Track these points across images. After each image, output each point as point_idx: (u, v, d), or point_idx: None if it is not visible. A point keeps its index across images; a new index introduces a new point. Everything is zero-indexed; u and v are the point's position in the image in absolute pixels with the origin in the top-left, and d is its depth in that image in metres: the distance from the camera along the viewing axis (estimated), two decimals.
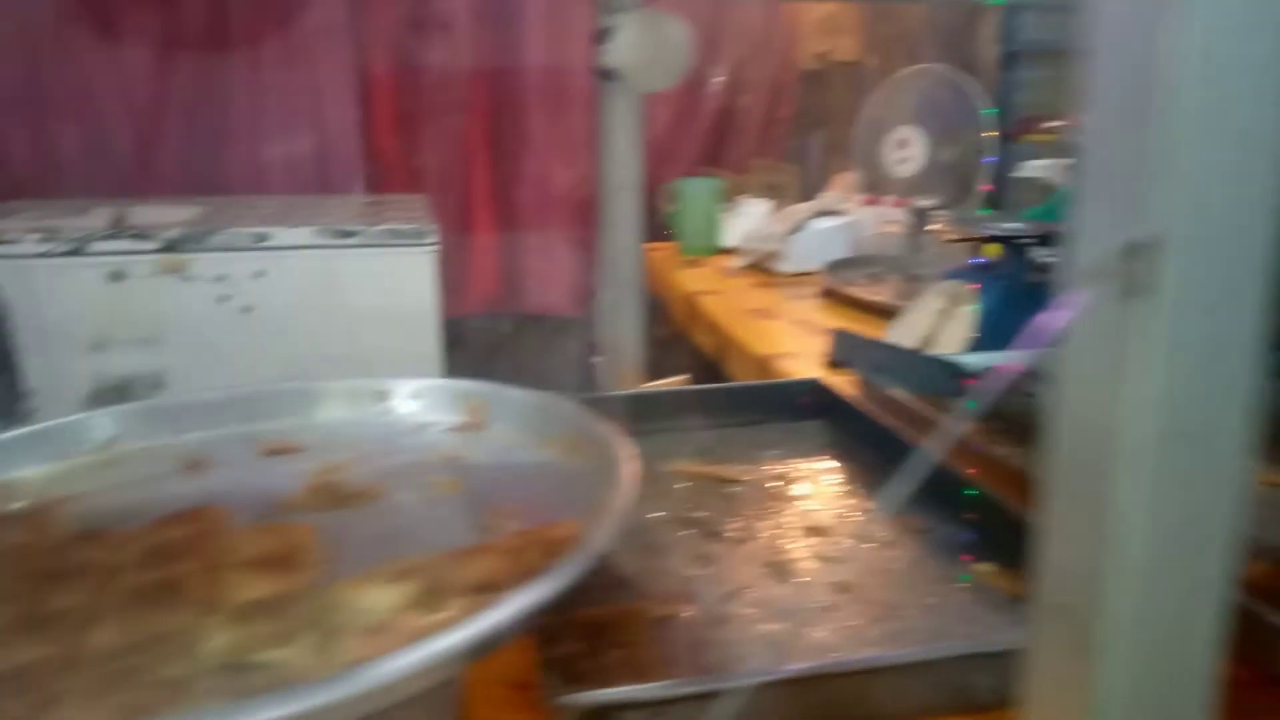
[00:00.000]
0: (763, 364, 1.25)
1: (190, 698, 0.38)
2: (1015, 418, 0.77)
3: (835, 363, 1.10)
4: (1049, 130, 1.39)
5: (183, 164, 1.91)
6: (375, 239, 1.66)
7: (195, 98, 1.92)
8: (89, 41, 1.85)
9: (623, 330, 0.82)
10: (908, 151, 1.74)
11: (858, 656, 0.47)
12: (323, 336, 1.65)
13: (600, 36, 0.71)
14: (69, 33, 1.84)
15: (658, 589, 0.56)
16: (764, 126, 2.24)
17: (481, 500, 0.60)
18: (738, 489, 0.69)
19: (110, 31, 1.86)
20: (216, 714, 0.34)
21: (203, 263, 1.59)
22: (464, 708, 0.46)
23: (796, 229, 1.65)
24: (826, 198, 1.78)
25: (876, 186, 1.79)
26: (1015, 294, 1.03)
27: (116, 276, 1.56)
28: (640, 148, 0.79)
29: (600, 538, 0.47)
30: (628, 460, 0.56)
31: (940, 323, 1.06)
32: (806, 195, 2.01)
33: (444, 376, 0.76)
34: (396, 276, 1.68)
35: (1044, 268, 1.13)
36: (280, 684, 0.39)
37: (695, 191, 1.82)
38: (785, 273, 1.65)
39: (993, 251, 1.12)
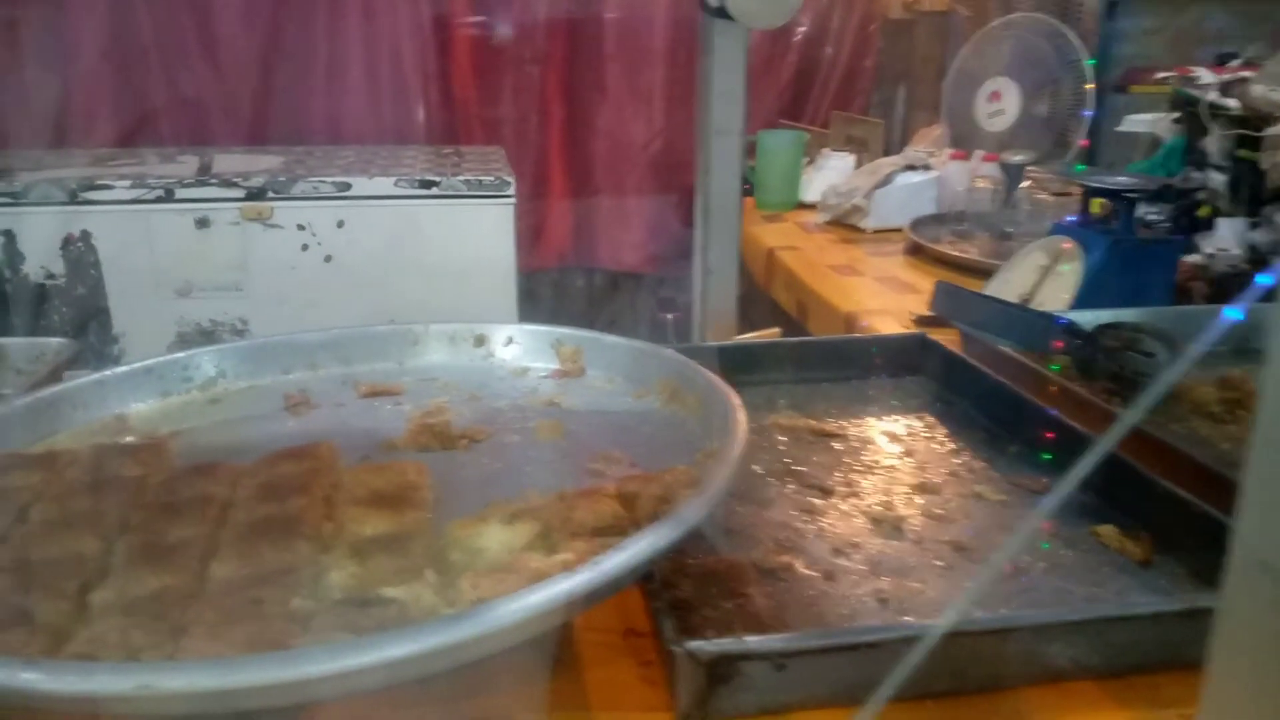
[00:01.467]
0: (848, 321, 1.22)
1: (315, 631, 0.38)
2: (1133, 376, 0.74)
3: (932, 318, 1.07)
4: (1160, 81, 1.32)
5: (265, 114, 1.93)
6: (454, 190, 1.66)
7: (277, 48, 1.92)
8: None
9: (717, 280, 0.80)
10: (1000, 105, 1.68)
11: (993, 615, 0.45)
12: (401, 286, 1.67)
13: None
14: None
15: (765, 540, 0.54)
16: (846, 78, 2.18)
17: (584, 445, 0.59)
18: (838, 444, 0.68)
19: None
20: (348, 648, 0.34)
21: (285, 211, 1.61)
22: (573, 652, 0.46)
23: (881, 184, 1.60)
24: (912, 152, 1.73)
25: (965, 140, 1.73)
26: (1124, 251, 0.98)
27: (202, 223, 1.59)
28: (744, 90, 0.76)
29: (718, 485, 0.45)
30: (736, 409, 0.55)
31: (1042, 280, 1.02)
32: (889, 149, 1.96)
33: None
34: (475, 228, 1.68)
35: (1152, 224, 1.08)
36: (403, 620, 0.38)
37: (775, 145, 1.78)
38: (868, 229, 1.60)
39: (1097, 207, 1.07)
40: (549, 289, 2.18)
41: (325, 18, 1.93)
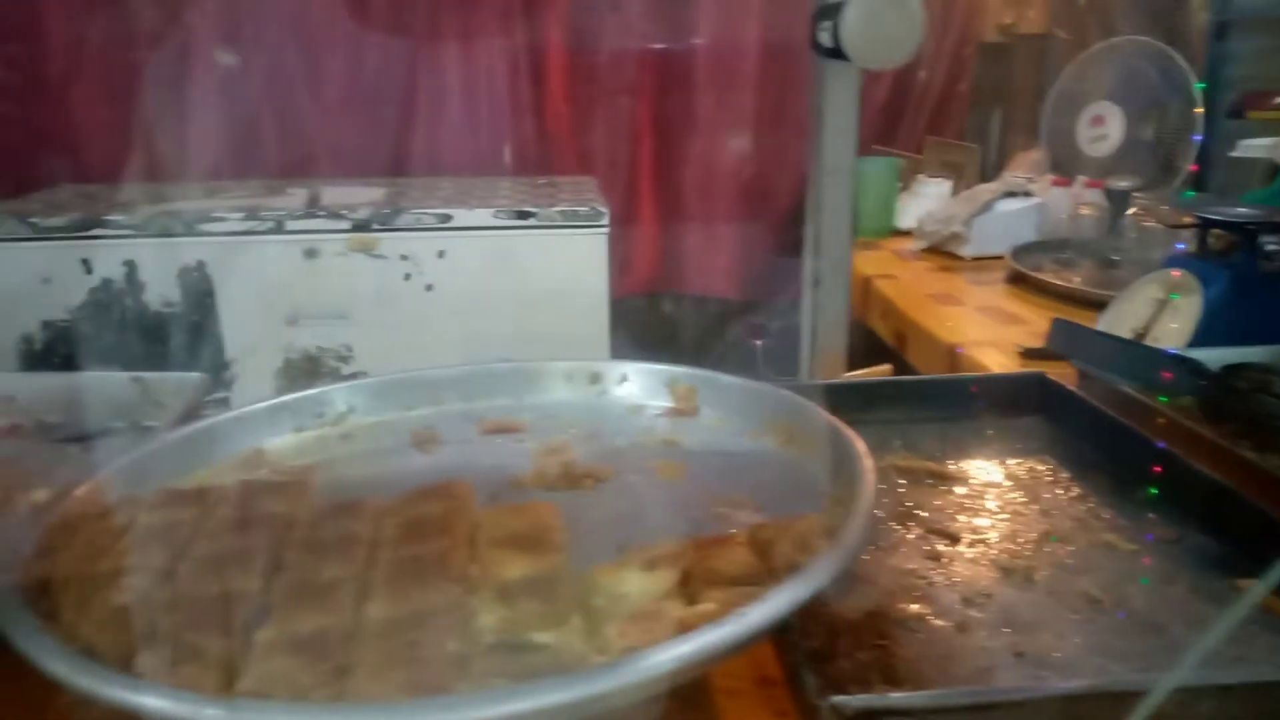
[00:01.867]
0: (951, 353, 1.20)
1: (473, 676, 0.39)
2: (1261, 419, 0.72)
3: (1039, 351, 1.05)
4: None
5: (367, 146, 2.00)
6: (550, 220, 1.69)
7: (379, 82, 1.99)
8: (281, 31, 1.95)
9: (827, 317, 0.80)
10: (1103, 129, 1.64)
11: (1143, 675, 0.44)
12: (497, 315, 1.70)
13: (823, 11, 0.69)
14: (263, 23, 1.94)
15: (893, 588, 0.54)
16: (940, 103, 2.15)
17: (706, 487, 0.60)
18: (959, 487, 0.67)
19: (300, 20, 1.95)
20: (512, 695, 0.35)
21: (390, 242, 1.66)
22: (709, 699, 0.46)
23: (981, 210, 1.58)
24: (1011, 178, 1.70)
25: (1065, 166, 1.69)
26: (1245, 285, 0.95)
27: (311, 254, 1.65)
28: (857, 129, 0.77)
29: (856, 536, 0.46)
30: (862, 456, 0.55)
31: (1157, 314, 0.99)
32: (985, 175, 1.93)
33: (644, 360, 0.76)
34: (570, 257, 1.71)
35: (1273, 256, 1.04)
36: (555, 666, 0.39)
37: (870, 171, 1.77)
38: (967, 256, 1.58)
39: (1215, 239, 1.04)
40: (638, 315, 2.20)
41: (425, 53, 1.99)
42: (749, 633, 0.39)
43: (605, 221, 1.70)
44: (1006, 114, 2.14)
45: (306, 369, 1.69)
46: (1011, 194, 1.61)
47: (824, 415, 0.61)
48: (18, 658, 0.48)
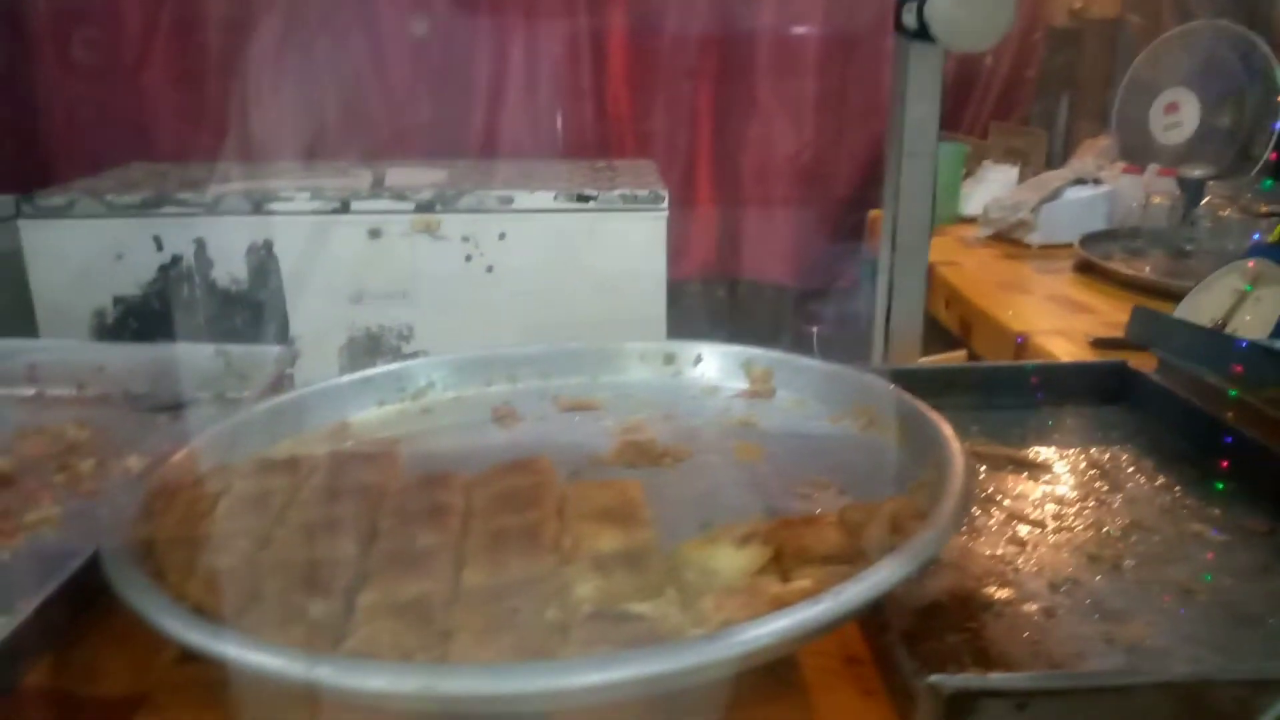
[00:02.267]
0: (1020, 344, 1.18)
1: (572, 644, 0.40)
2: None
3: (1111, 340, 1.03)
4: None
5: (429, 128, 2.01)
6: (610, 203, 1.69)
7: (442, 65, 2.01)
8: (348, 15, 1.97)
9: (903, 302, 0.80)
10: (1177, 116, 1.60)
11: (1248, 665, 0.43)
12: (556, 297, 1.71)
13: None
14: (330, 7, 1.96)
15: (979, 573, 0.54)
16: (1006, 88, 2.12)
17: (786, 469, 0.60)
18: (1041, 474, 0.66)
19: (366, 3, 1.97)
20: (620, 661, 0.36)
21: (452, 223, 1.68)
22: (799, 676, 0.46)
23: (1049, 198, 1.55)
24: (1080, 165, 1.67)
25: (1136, 154, 1.65)
26: None
27: (375, 234, 1.67)
28: (939, 112, 0.76)
29: (950, 517, 0.45)
30: (950, 439, 0.54)
31: (1238, 305, 0.97)
32: (1051, 162, 1.89)
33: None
34: (629, 240, 1.71)
35: None
36: (653, 636, 0.40)
37: None
38: (1034, 244, 1.55)
39: None
40: (692, 300, 2.20)
41: (487, 36, 2.00)
42: (848, 609, 0.39)
43: (665, 205, 1.70)
44: (1074, 100, 2.09)
45: (368, 347, 1.71)
46: (1081, 181, 1.58)
47: (909, 399, 0.60)
48: (124, 615, 0.49)
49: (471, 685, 0.36)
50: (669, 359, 0.75)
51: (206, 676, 0.45)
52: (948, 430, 0.55)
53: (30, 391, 0.78)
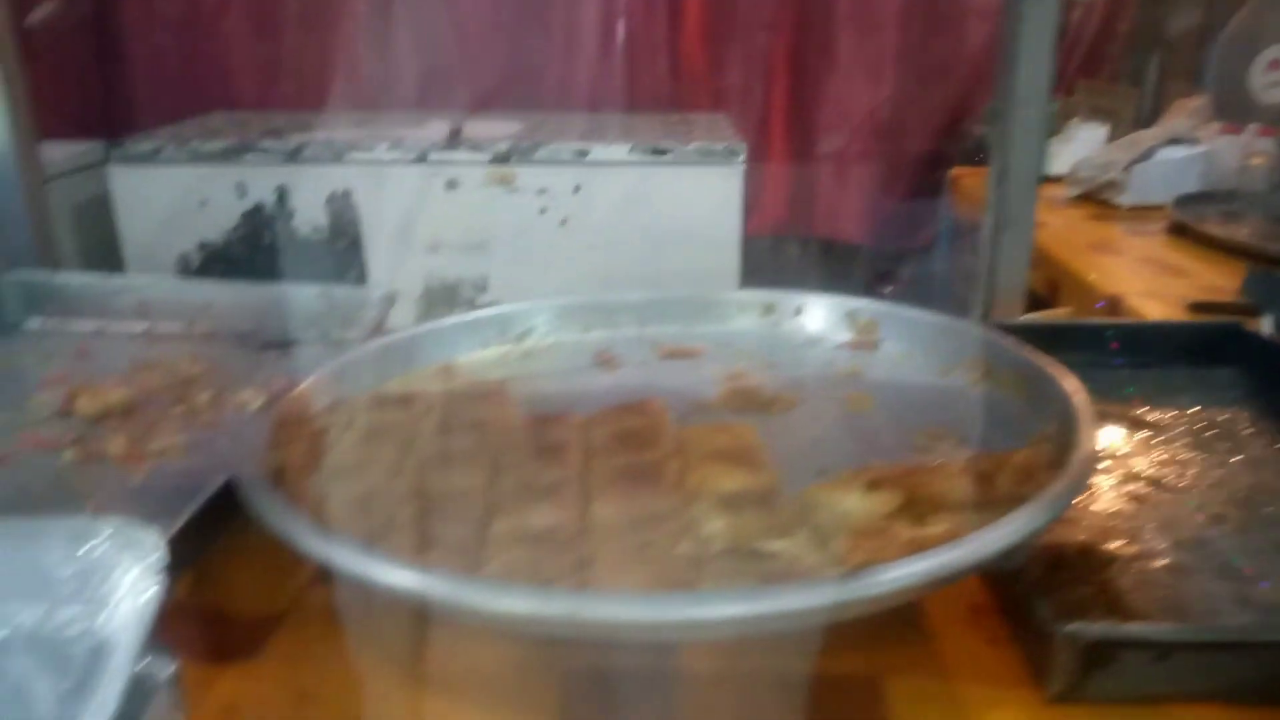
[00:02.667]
0: (1112, 304, 1.16)
1: (709, 578, 0.40)
2: None
3: (1209, 304, 1.00)
4: None
5: (504, 80, 2.01)
6: (686, 157, 1.67)
7: (517, 16, 2.00)
8: None
9: (1009, 257, 0.78)
10: None
11: None
12: (629, 251, 1.70)
13: None
14: None
15: (1101, 528, 0.53)
16: (1094, 44, 2.05)
17: (901, 419, 0.60)
18: (1156, 434, 0.65)
19: None
20: (771, 595, 0.36)
21: (528, 175, 1.67)
22: (924, 623, 0.46)
23: (1141, 158, 1.50)
24: (1174, 124, 1.61)
25: (1234, 113, 1.59)
26: None
27: (452, 185, 1.67)
28: (1053, 60, 0.73)
29: (1083, 467, 0.45)
30: (1076, 392, 0.53)
31: None
32: (1140, 121, 1.83)
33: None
34: (704, 195, 1.70)
35: None
36: (790, 573, 0.40)
37: None
38: (1124, 205, 1.51)
39: None
40: (762, 257, 2.18)
41: None
42: (989, 554, 0.39)
43: (741, 160, 1.68)
44: (1166, 58, 2.02)
45: (444, 297, 1.73)
46: (1175, 141, 1.53)
47: (1027, 352, 0.59)
48: (255, 539, 0.51)
49: (618, 612, 0.36)
50: (768, 309, 0.75)
51: (339, 599, 0.47)
52: (1071, 383, 0.54)
53: (141, 327, 0.80)
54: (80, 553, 0.36)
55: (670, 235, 1.70)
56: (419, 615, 0.43)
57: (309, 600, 0.47)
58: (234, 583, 0.50)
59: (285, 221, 1.70)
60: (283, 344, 0.78)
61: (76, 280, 0.82)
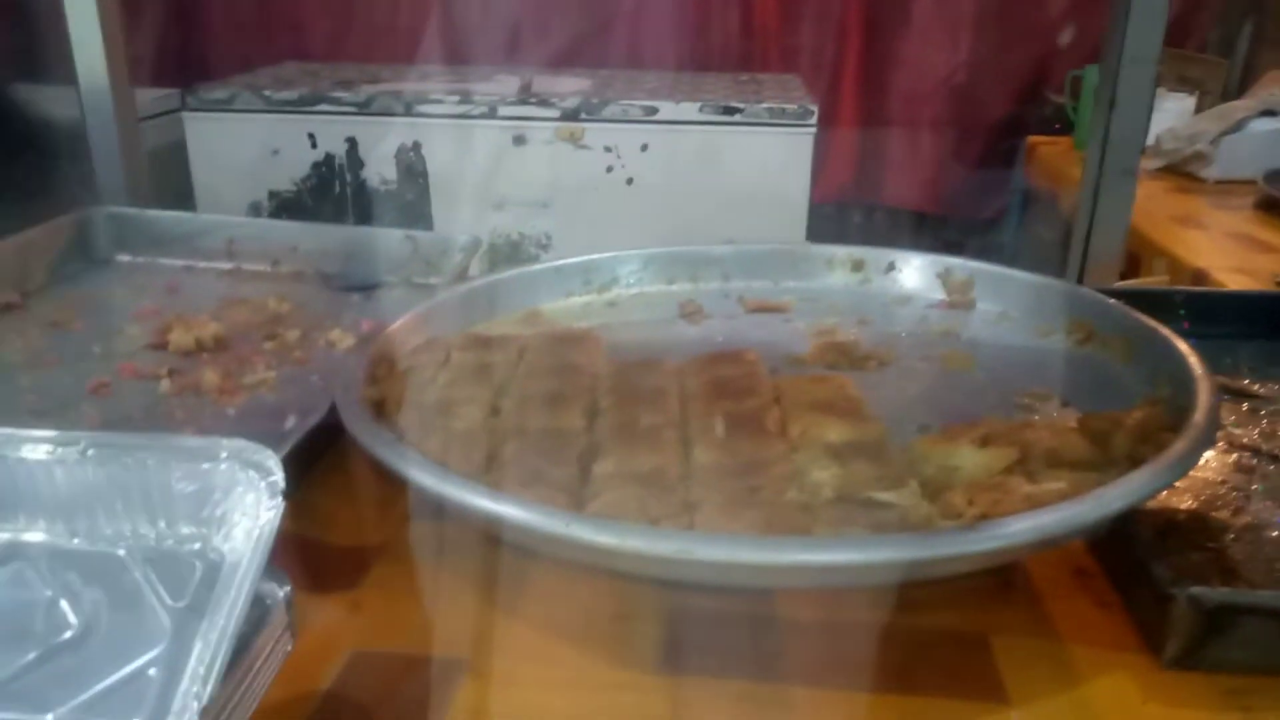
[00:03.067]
0: (1198, 278, 1.12)
1: (821, 525, 0.39)
2: None
3: None
4: None
5: (573, 36, 1.99)
6: (757, 117, 1.65)
7: None
8: None
9: (1108, 219, 0.76)
10: None
11: None
12: (695, 212, 1.69)
13: None
14: None
15: (1208, 496, 0.51)
16: (1182, 11, 1.97)
17: (999, 377, 0.58)
18: (1259, 404, 0.62)
19: None
20: (894, 543, 0.35)
21: (595, 132, 1.66)
22: (1031, 584, 0.45)
23: (1231, 130, 1.45)
24: (1266, 95, 1.55)
25: None
26: None
27: (519, 140, 1.67)
28: (1165, 14, 0.70)
29: (1205, 429, 0.43)
30: (1190, 353, 0.52)
31: None
32: (1228, 92, 1.76)
33: None
34: (773, 156, 1.67)
35: None
36: (903, 524, 0.39)
37: None
38: (1210, 179, 1.46)
39: None
40: (827, 223, 2.15)
41: None
42: (1110, 511, 0.38)
43: (813, 121, 1.65)
44: (1258, 26, 1.94)
45: (508, 253, 1.73)
46: (1270, 112, 1.47)
47: (1135, 315, 0.57)
48: (351, 472, 0.51)
49: (734, 552, 0.36)
50: (858, 265, 0.73)
51: (436, 533, 0.47)
52: (1184, 345, 0.52)
53: (227, 266, 0.81)
54: (199, 471, 0.36)
55: (737, 197, 1.68)
56: (518, 550, 0.43)
57: (405, 533, 0.47)
58: (330, 515, 0.50)
59: (355, 173, 1.71)
60: (367, 287, 0.78)
61: (166, 217, 0.83)
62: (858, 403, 0.50)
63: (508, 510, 0.39)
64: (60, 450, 0.37)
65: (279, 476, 0.35)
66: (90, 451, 0.36)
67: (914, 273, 0.71)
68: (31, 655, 0.33)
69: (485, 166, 1.68)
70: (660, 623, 0.42)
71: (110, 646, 0.33)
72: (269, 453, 0.36)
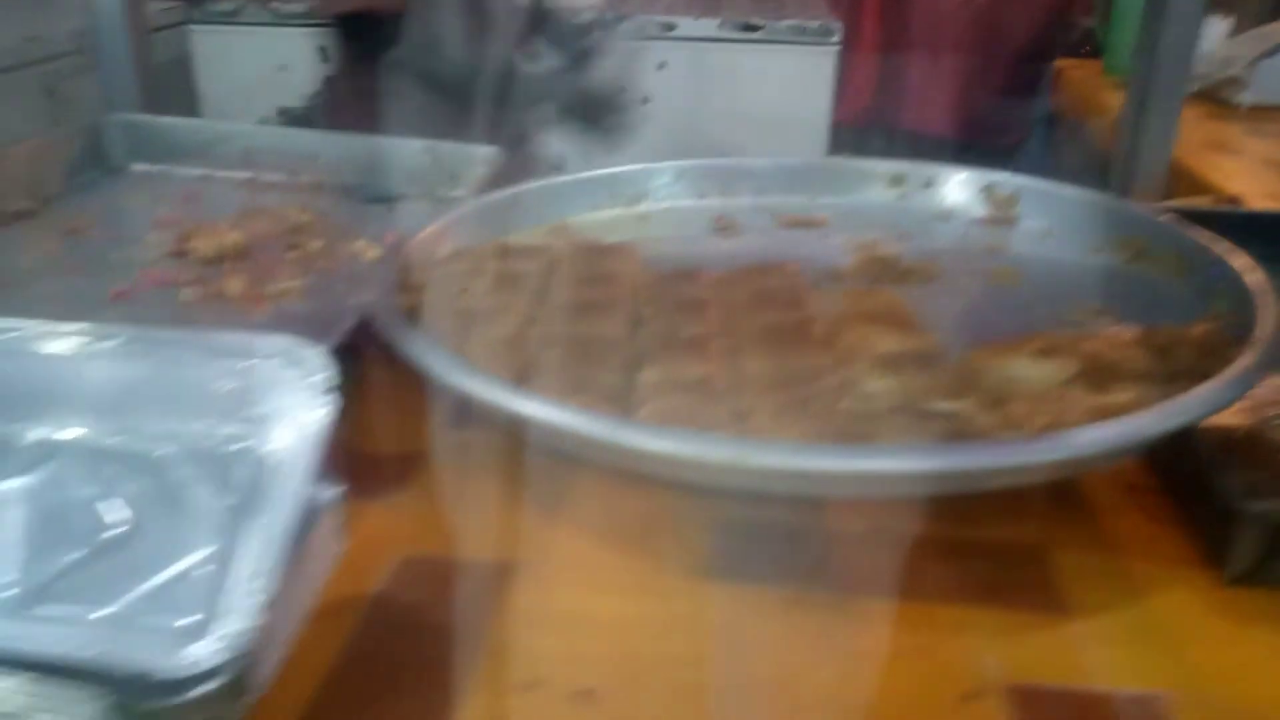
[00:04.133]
0: (1234, 205, 1.09)
1: (880, 434, 0.38)
2: None
3: None
4: None
5: None
6: (777, 35, 1.61)
7: None
8: None
9: (1153, 137, 0.73)
10: None
11: None
12: (713, 134, 1.65)
13: None
14: None
15: (1267, 416, 0.50)
16: None
17: (1048, 293, 0.57)
18: None
19: None
20: (956, 452, 0.34)
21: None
22: (1087, 499, 0.44)
23: (1270, 53, 1.40)
24: None
25: None
26: None
27: (529, 60, 1.62)
28: None
29: (1272, 344, 0.42)
30: (1249, 269, 0.50)
31: None
32: (1264, 14, 1.71)
33: None
34: (794, 75, 1.63)
35: None
36: (964, 435, 0.38)
37: (1131, 3, 1.59)
38: (1244, 104, 1.42)
39: None
40: (845, 148, 2.10)
41: None
42: (1180, 423, 0.37)
43: (835, 39, 1.61)
44: None
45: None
46: None
47: (1189, 231, 0.56)
48: (386, 380, 0.50)
49: (792, 459, 0.35)
50: (896, 180, 0.71)
51: (478, 440, 0.46)
52: (1242, 260, 0.51)
53: (244, 175, 0.79)
54: (241, 369, 0.35)
55: (756, 118, 1.64)
56: (563, 457, 0.42)
57: (444, 442, 0.46)
58: (365, 423, 0.49)
59: None
60: (388, 198, 0.76)
61: (182, 125, 0.81)
62: (905, 315, 0.48)
63: (561, 417, 0.37)
64: (94, 345, 0.35)
65: (328, 373, 0.34)
66: (126, 347, 0.35)
67: (955, 188, 0.69)
68: (80, 553, 0.32)
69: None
70: (708, 532, 0.41)
71: (159, 544, 0.32)
72: (316, 348, 0.34)
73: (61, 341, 0.35)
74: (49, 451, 0.35)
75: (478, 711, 0.32)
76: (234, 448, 0.35)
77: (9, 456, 0.34)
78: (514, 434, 0.43)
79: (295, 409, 0.33)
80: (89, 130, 0.78)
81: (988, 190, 0.68)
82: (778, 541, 0.41)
